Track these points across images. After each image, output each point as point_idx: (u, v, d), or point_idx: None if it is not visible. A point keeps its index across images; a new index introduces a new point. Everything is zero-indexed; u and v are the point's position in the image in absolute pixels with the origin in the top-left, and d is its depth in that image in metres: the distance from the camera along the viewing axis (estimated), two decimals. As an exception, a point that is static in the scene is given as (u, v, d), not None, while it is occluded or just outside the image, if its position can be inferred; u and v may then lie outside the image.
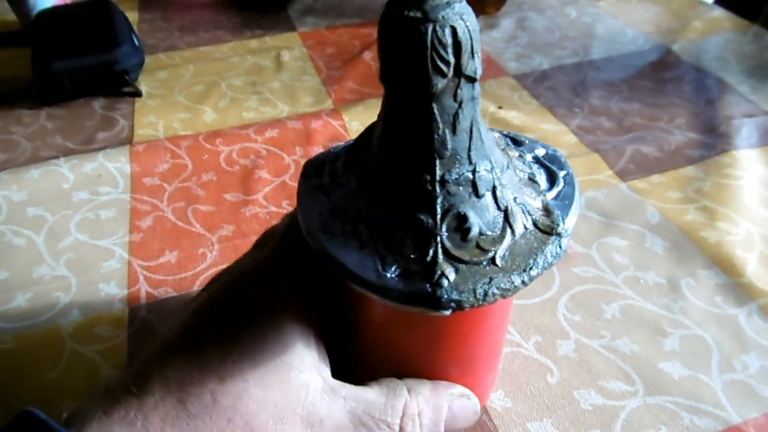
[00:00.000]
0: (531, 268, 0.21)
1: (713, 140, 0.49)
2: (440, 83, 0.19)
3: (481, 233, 0.21)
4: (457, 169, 0.21)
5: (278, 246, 0.26)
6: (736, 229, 0.40)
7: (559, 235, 0.22)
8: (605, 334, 0.34)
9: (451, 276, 0.20)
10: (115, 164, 0.47)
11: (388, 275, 0.20)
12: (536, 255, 0.21)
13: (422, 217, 0.21)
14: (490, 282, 0.20)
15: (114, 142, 0.50)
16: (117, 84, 0.56)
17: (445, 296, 0.20)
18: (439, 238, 0.20)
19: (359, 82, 0.59)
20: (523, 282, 0.20)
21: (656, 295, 0.36)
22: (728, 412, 0.30)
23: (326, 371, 0.24)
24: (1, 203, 0.44)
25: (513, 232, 0.21)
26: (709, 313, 0.35)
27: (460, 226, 0.21)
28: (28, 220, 0.42)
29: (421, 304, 0.20)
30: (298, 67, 0.62)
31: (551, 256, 0.21)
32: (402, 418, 0.24)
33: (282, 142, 0.50)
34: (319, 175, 0.25)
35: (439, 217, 0.21)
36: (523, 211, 0.22)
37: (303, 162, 0.47)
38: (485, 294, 0.20)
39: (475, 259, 0.20)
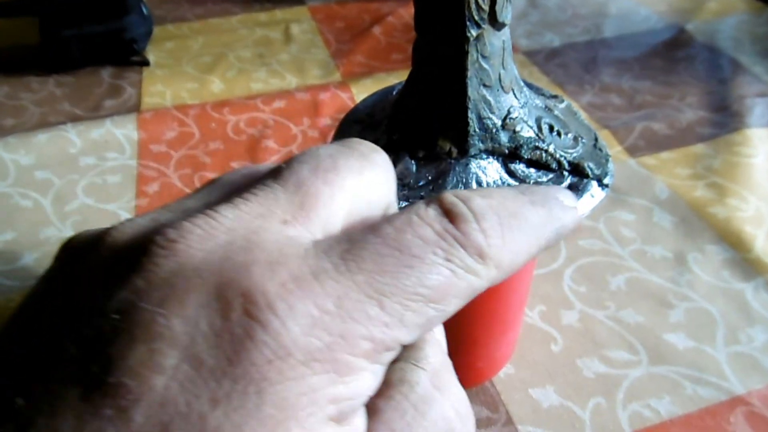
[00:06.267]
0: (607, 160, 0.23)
1: (725, 118, 0.48)
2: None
3: (566, 133, 0.23)
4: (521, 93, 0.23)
5: None
6: (746, 206, 0.40)
7: (601, 149, 0.24)
8: (610, 305, 0.34)
9: (593, 164, 0.22)
10: (122, 131, 0.47)
11: None
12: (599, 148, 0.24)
13: (533, 135, 0.22)
14: (605, 162, 0.23)
15: (121, 110, 0.50)
16: (125, 53, 0.56)
17: (607, 176, 0.22)
18: (553, 147, 0.22)
19: (368, 55, 0.59)
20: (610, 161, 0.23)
21: (662, 268, 0.36)
22: (732, 383, 0.30)
23: None
24: (9, 166, 0.44)
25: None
26: (716, 287, 0.35)
27: (552, 129, 0.23)
28: (36, 183, 0.43)
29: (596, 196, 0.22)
30: (307, 40, 0.62)
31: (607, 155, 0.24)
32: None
33: (290, 112, 0.50)
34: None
35: (536, 128, 0.22)
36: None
37: (310, 133, 0.48)
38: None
39: (578, 150, 0.23)
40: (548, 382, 0.30)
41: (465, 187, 0.21)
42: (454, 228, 0.14)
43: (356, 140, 0.16)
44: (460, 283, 0.13)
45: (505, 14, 0.20)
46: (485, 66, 0.20)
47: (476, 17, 0.19)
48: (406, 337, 0.13)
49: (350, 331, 0.12)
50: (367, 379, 0.12)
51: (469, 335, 0.27)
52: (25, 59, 0.57)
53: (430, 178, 0.21)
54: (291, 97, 0.52)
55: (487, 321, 0.27)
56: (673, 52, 0.58)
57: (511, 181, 0.21)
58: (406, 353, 0.14)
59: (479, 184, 0.21)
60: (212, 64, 0.57)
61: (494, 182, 0.21)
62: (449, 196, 0.14)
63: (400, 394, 0.13)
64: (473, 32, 0.20)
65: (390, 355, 0.13)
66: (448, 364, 0.15)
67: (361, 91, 0.53)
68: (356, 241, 0.13)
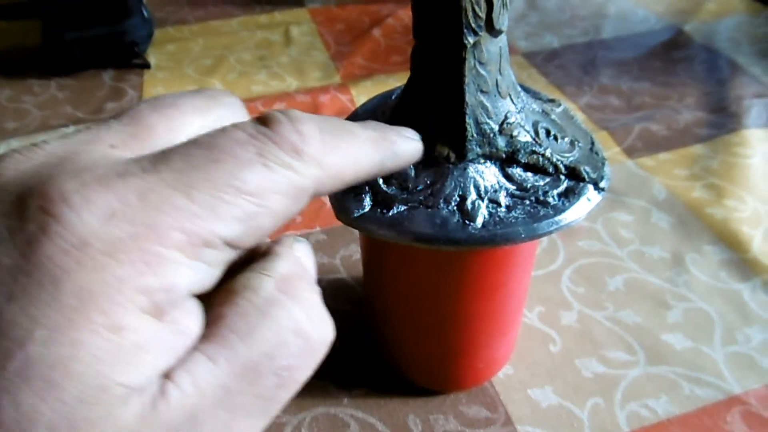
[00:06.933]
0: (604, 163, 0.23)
1: (723, 119, 0.48)
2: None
3: (563, 137, 0.23)
4: (518, 100, 0.23)
5: None
6: (743, 206, 0.40)
7: (598, 153, 0.24)
8: (608, 305, 0.34)
9: (589, 168, 0.22)
10: (124, 134, 0.48)
11: (554, 200, 0.22)
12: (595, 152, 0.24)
13: (530, 139, 0.22)
14: (601, 166, 0.23)
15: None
16: (126, 55, 0.57)
17: (603, 180, 0.22)
18: (550, 151, 0.22)
19: (368, 58, 0.59)
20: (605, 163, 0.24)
21: (660, 268, 0.36)
22: (729, 383, 0.30)
23: None
24: (12, 169, 0.44)
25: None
26: (713, 288, 0.35)
27: (549, 134, 0.23)
28: (38, 186, 0.43)
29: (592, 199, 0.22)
30: (307, 42, 0.62)
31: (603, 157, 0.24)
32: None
33: (290, 115, 0.50)
34: None
35: (533, 133, 0.22)
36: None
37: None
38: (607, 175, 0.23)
39: (574, 154, 0.23)
40: (547, 382, 0.30)
41: (464, 192, 0.21)
42: (268, 129, 0.14)
43: (208, 88, 0.16)
44: (277, 177, 0.13)
45: (502, 21, 0.20)
46: (482, 72, 0.21)
47: (473, 25, 0.20)
48: (225, 231, 0.13)
49: (157, 221, 0.12)
50: (185, 274, 0.12)
51: (469, 336, 0.27)
52: (26, 62, 0.58)
53: (428, 182, 0.21)
54: (291, 99, 0.52)
55: (486, 322, 0.27)
56: (672, 53, 0.58)
57: (508, 185, 0.22)
58: (256, 264, 0.14)
59: (477, 188, 0.21)
60: (213, 66, 0.58)
61: (492, 186, 0.22)
62: (269, 110, 0.15)
63: (243, 299, 0.13)
64: (470, 39, 0.20)
65: (213, 253, 0.13)
66: (307, 276, 0.15)
67: (360, 93, 0.53)
68: (170, 150, 0.13)
